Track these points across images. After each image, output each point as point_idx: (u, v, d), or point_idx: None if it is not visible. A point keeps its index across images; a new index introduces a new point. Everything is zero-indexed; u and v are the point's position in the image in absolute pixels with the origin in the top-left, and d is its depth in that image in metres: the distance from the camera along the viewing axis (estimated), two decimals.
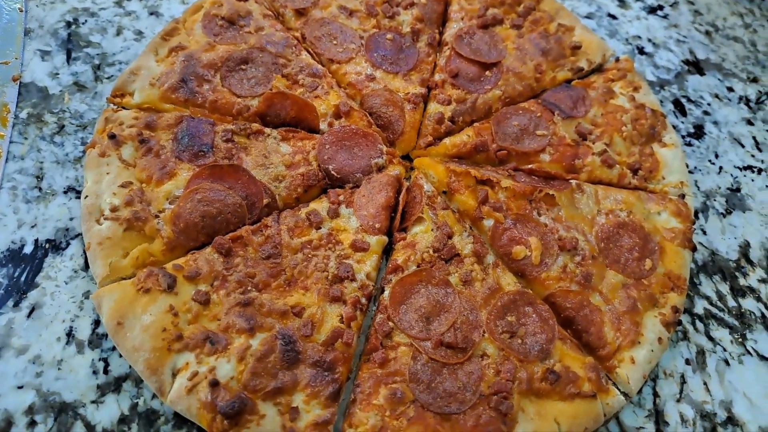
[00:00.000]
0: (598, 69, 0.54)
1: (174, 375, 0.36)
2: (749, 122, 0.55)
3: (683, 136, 0.53)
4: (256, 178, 0.43)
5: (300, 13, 0.54)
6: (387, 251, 0.43)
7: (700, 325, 0.43)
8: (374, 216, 0.43)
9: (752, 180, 0.51)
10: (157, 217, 0.41)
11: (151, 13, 0.56)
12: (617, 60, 0.54)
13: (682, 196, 0.47)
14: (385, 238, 0.42)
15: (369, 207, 0.43)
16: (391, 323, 0.38)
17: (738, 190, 0.50)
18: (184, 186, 0.42)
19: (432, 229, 0.43)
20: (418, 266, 0.41)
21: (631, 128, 0.49)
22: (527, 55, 0.52)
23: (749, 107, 0.56)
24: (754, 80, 0.58)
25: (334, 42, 0.52)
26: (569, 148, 0.48)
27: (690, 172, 0.51)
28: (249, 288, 0.39)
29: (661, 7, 0.63)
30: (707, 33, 0.61)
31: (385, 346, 0.38)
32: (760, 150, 0.53)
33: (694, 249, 0.45)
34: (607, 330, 0.40)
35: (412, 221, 0.43)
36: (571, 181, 0.46)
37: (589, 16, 0.61)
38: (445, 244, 0.42)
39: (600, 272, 0.42)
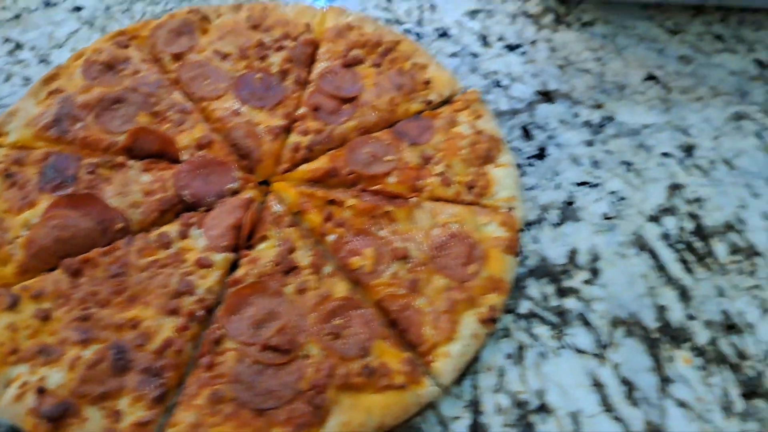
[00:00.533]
0: (447, 101, 0.59)
1: (7, 387, 0.39)
2: (589, 143, 0.60)
3: (527, 158, 0.59)
4: (110, 205, 0.47)
5: (177, 57, 0.59)
6: (235, 268, 0.47)
7: (522, 324, 0.48)
8: (222, 236, 0.47)
9: (586, 194, 0.56)
10: (11, 243, 0.44)
11: (41, 61, 0.60)
12: (467, 92, 0.60)
13: (511, 209, 0.52)
14: (231, 255, 0.46)
15: (218, 228, 0.47)
16: (220, 331, 0.42)
17: (572, 203, 0.56)
18: (41, 214, 0.46)
19: (276, 246, 0.47)
20: (257, 279, 0.45)
21: (468, 152, 0.54)
22: (383, 90, 0.58)
23: (591, 130, 0.62)
24: (599, 106, 0.64)
25: (206, 82, 0.57)
26: (413, 170, 0.53)
27: (530, 188, 0.56)
28: (90, 305, 0.42)
29: (520, 46, 0.70)
30: (561, 66, 0.68)
31: (214, 352, 0.41)
32: (596, 167, 0.59)
33: (517, 255, 0.49)
34: (427, 329, 0.44)
35: (258, 239, 0.47)
36: (412, 199, 0.51)
37: (454, 55, 0.67)
38: (285, 257, 0.46)
39: (428, 278, 0.46)
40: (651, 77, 0.67)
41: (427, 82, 0.59)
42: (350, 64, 0.60)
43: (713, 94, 0.67)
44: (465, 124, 0.56)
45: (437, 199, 0.52)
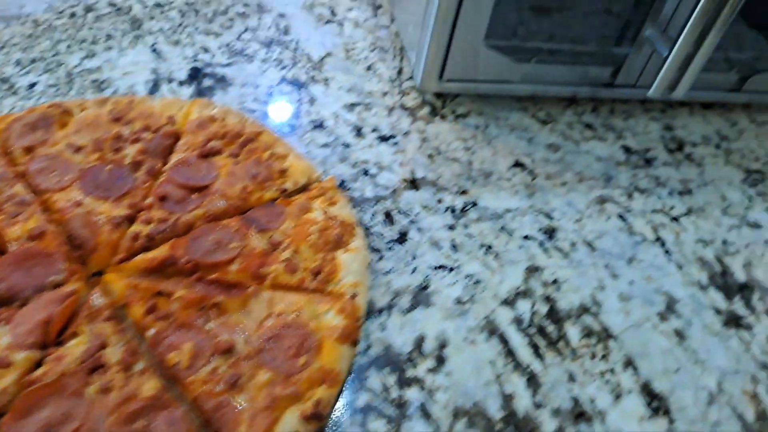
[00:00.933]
0: (304, 189, 0.59)
1: None
2: (451, 227, 0.60)
3: (387, 242, 0.58)
4: None
5: (28, 150, 0.58)
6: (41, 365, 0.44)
7: (358, 418, 0.45)
8: (29, 332, 0.44)
9: (442, 278, 0.55)
10: None
11: None
12: (324, 180, 0.60)
13: (355, 295, 0.50)
14: (35, 353, 0.43)
15: (27, 323, 0.44)
16: None
17: (426, 287, 0.54)
18: None
19: (87, 342, 0.44)
20: (57, 378, 0.41)
21: (317, 237, 0.53)
22: (237, 179, 0.58)
23: (454, 215, 0.62)
24: (464, 192, 0.65)
25: (53, 174, 0.56)
26: (258, 257, 0.52)
27: (386, 273, 0.55)
28: None
29: (393, 136, 0.71)
30: (430, 156, 0.69)
31: None
32: (455, 251, 0.58)
33: (355, 343, 0.47)
34: (242, 428, 0.41)
35: (69, 335, 0.44)
36: (250, 288, 0.49)
37: (326, 145, 0.68)
38: (92, 354, 0.43)
39: (251, 372, 0.44)
40: (518, 164, 0.69)
41: (284, 171, 0.59)
42: (207, 155, 0.60)
43: (579, 179, 0.68)
44: (318, 210, 0.56)
45: (280, 287, 0.50)
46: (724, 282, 0.59)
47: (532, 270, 0.57)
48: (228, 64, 0.77)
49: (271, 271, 0.51)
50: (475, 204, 0.64)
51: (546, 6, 0.77)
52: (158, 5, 0.85)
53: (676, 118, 0.81)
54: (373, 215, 0.61)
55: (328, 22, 0.88)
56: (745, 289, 0.59)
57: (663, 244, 0.62)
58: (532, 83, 0.75)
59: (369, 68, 0.80)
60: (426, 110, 0.75)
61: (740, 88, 0.80)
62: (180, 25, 0.82)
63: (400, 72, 0.81)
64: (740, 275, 0.60)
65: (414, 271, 0.56)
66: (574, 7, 0.76)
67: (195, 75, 0.75)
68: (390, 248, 0.58)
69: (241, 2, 0.89)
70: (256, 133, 0.62)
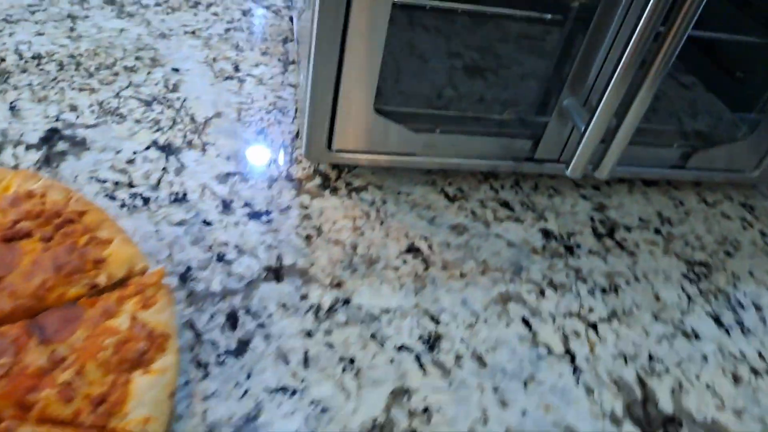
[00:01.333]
0: (121, 284, 0.48)
1: None
2: (309, 334, 0.49)
3: (219, 355, 0.47)
4: None
5: None
6: None
7: None
8: None
9: (279, 404, 0.44)
10: None
11: None
12: (149, 273, 0.49)
13: None
14: None
15: None
16: None
17: (256, 417, 0.43)
18: None
19: None
20: None
21: (110, 353, 0.42)
22: (39, 271, 0.46)
23: (317, 317, 0.51)
24: (337, 285, 0.54)
25: None
26: (29, 379, 0.40)
27: (206, 398, 0.43)
28: None
29: (268, 213, 0.61)
30: (307, 237, 0.58)
31: None
32: (306, 367, 0.47)
33: None
34: None
35: None
36: (2, 423, 0.37)
37: (181, 223, 0.58)
38: None
39: None
40: (412, 249, 0.59)
41: (100, 261, 0.48)
42: (12, 238, 0.49)
43: (481, 270, 0.58)
44: (126, 314, 0.44)
45: (46, 421, 0.38)
46: (644, 413, 0.47)
47: (399, 393, 0.46)
48: (93, 125, 0.67)
49: (40, 398, 0.39)
50: (347, 301, 0.52)
51: (456, 68, 0.69)
52: (37, 57, 0.76)
53: (612, 197, 0.72)
54: (212, 316, 0.49)
55: (227, 78, 0.79)
56: (670, 424, 0.47)
57: (572, 360, 0.51)
58: (438, 156, 0.65)
59: (261, 132, 0.71)
60: (316, 182, 0.65)
61: (684, 165, 0.71)
62: (54, 79, 0.73)
63: (296, 136, 0.71)
64: (666, 404, 0.48)
65: (245, 394, 0.44)
66: (485, 71, 0.68)
67: (49, 138, 0.65)
68: (221, 362, 0.46)
69: (133, 55, 0.80)
70: (79, 212, 0.51)
